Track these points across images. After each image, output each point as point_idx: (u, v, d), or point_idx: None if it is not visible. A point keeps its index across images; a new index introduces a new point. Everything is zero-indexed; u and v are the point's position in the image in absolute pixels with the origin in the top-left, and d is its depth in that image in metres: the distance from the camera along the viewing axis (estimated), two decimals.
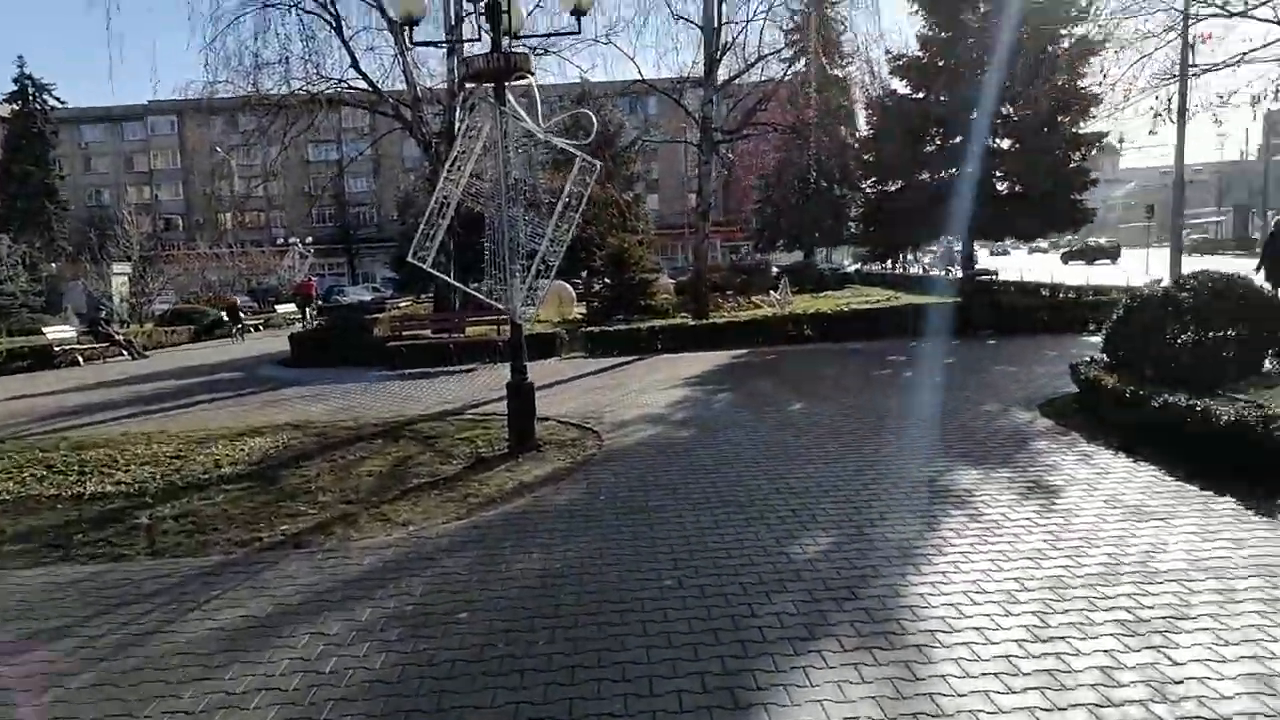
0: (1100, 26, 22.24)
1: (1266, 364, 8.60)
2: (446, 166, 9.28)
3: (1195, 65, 23.15)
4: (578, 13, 9.02)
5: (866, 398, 10.44)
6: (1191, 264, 24.50)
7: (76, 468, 8.75)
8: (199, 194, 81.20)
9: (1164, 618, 3.89)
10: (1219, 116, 21.65)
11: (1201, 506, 5.43)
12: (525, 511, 6.44)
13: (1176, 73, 24.88)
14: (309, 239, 58.49)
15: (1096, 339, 14.74)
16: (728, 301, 26.24)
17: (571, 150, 9.00)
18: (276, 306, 37.55)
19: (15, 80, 60.26)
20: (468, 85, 19.56)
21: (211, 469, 8.40)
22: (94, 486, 7.90)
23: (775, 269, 43.63)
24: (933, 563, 4.79)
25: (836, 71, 28.24)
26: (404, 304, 37.51)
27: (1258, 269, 14.77)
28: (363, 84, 19.98)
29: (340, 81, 19.52)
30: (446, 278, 10.55)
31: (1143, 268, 33.84)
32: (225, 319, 30.67)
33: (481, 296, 9.85)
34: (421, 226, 8.98)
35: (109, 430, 11.12)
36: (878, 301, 24.13)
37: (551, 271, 8.98)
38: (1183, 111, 24.82)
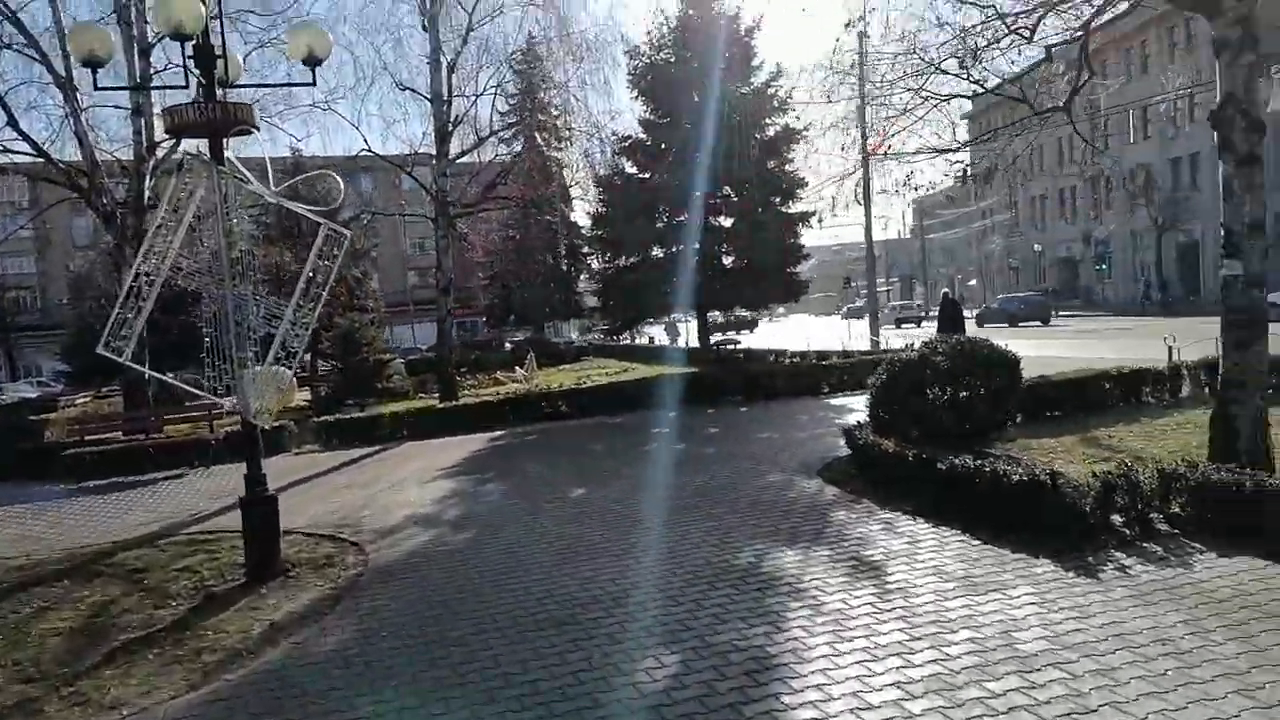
0: (798, 117, 24.51)
1: (1017, 415, 9.29)
2: (148, 239, 7.67)
3: (877, 153, 26.09)
4: (312, 62, 7.89)
5: (646, 475, 9.98)
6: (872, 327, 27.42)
7: None
8: None
9: (1068, 715, 3.59)
10: (890, 198, 24.55)
11: (1025, 572, 5.40)
12: (284, 667, 5.08)
13: (861, 160, 27.88)
14: None
15: (835, 400, 15.87)
16: (469, 379, 25.17)
17: (314, 217, 7.81)
18: None
19: None
20: (163, 144, 17.32)
21: None
22: None
23: (508, 344, 43.14)
24: (801, 674, 4.23)
25: (556, 153, 28.75)
26: (80, 400, 32.20)
27: (939, 331, 16.50)
28: (24, 147, 16.91)
29: None
30: (144, 369, 8.71)
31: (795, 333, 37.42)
32: None
33: (195, 390, 8.20)
34: (115, 311, 7.29)
35: None
36: (618, 373, 24.31)
37: (295, 359, 7.64)
38: (867, 193, 27.94)
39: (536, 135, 28.10)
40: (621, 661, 4.61)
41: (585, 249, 54.73)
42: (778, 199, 25.49)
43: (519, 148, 28.20)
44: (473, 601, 5.92)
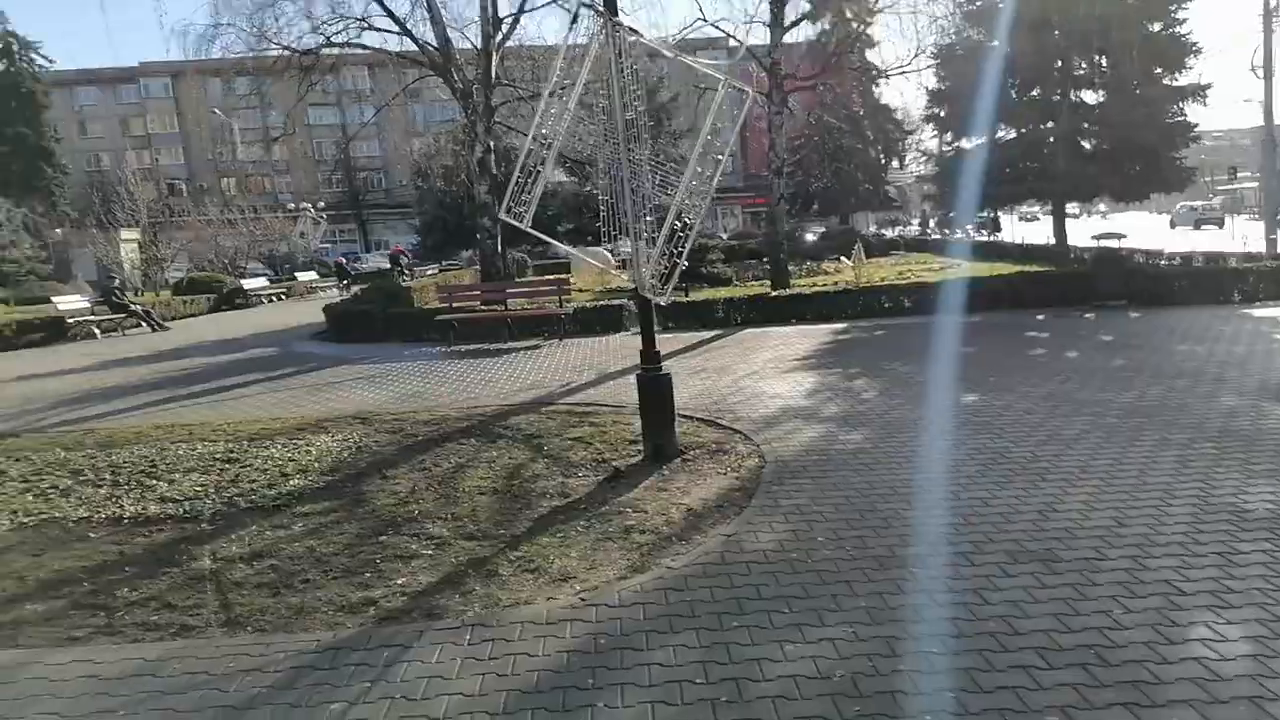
0: None
1: None
2: (542, 103, 7.46)
3: None
4: None
5: (1046, 385, 8.69)
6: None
7: (109, 476, 7.07)
8: (201, 158, 79.10)
9: None
10: None
11: None
12: (726, 561, 4.73)
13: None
14: (321, 203, 56.54)
15: (1256, 310, 13.19)
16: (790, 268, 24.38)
17: (713, 74, 7.19)
18: (296, 274, 35.81)
19: None
20: (506, 20, 17.64)
21: (277, 479, 6.72)
22: (132, 505, 6.23)
23: (809, 236, 41.61)
24: None
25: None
26: (429, 271, 35.67)
27: None
28: (384, 25, 17.87)
29: (361, 20, 17.41)
30: (553, 240, 8.74)
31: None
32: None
33: (579, 253, 8.07)
34: (514, 177, 7.19)
35: (140, 421, 9.45)
36: (942, 270, 22.27)
37: (691, 232, 7.20)
38: (1268, 64, 22.83)
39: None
40: (1176, 624, 3.69)
41: (896, 134, 51.11)
42: (1160, 69, 21.52)
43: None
44: (918, 511, 5.24)
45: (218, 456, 7.55)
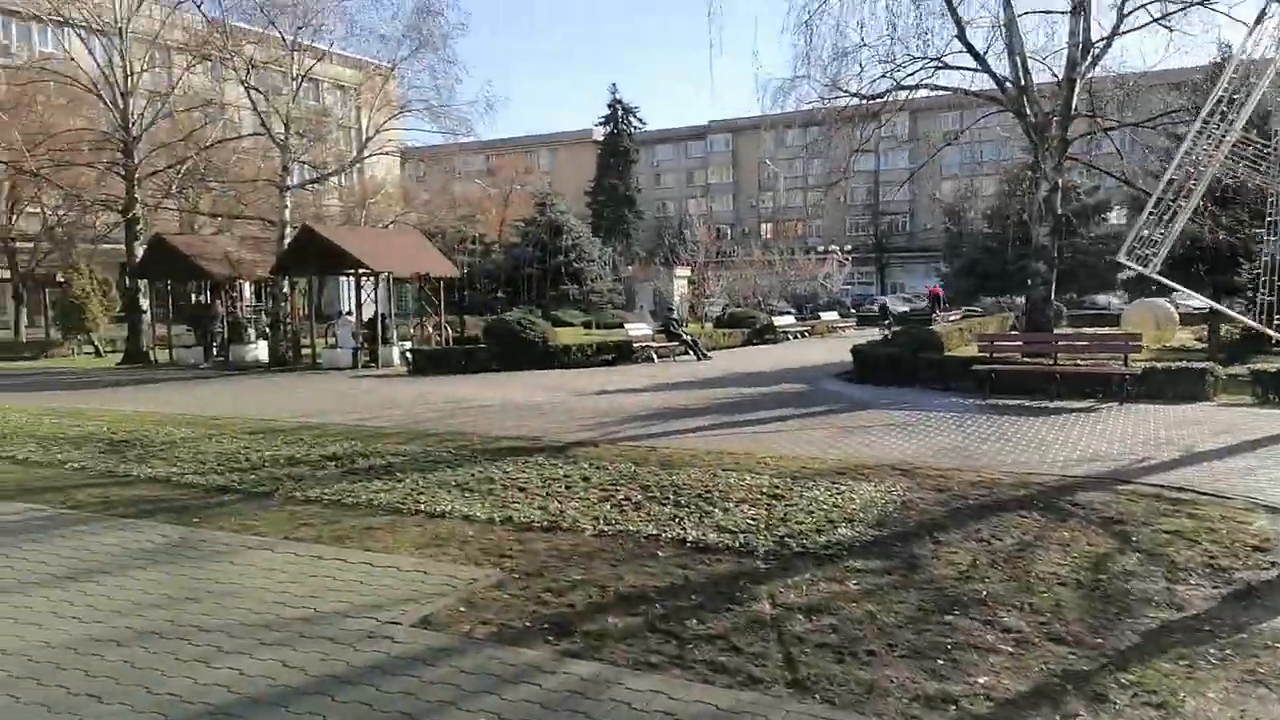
0: None
1: None
2: (1185, 143, 6.16)
3: None
4: None
5: None
6: None
7: (671, 495, 7.56)
8: (746, 204, 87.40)
9: None
10: None
11: None
12: None
13: None
14: (848, 246, 58.46)
15: None
16: None
17: None
18: (819, 314, 37.22)
19: (609, 105, 70.35)
20: (1098, 44, 15.84)
21: (824, 524, 6.50)
22: (694, 530, 6.49)
23: None
24: None
25: None
26: (953, 316, 34.32)
27: None
28: (960, 62, 17.28)
29: (937, 60, 17.03)
30: (1185, 288, 7.35)
31: None
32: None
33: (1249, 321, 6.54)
34: (1142, 217, 6.04)
35: (694, 444, 10.17)
36: None
37: None
38: None
39: None
40: None
41: None
42: None
43: None
44: None
45: (764, 490, 7.65)
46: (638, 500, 7.48)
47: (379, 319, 23.35)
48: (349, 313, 25.66)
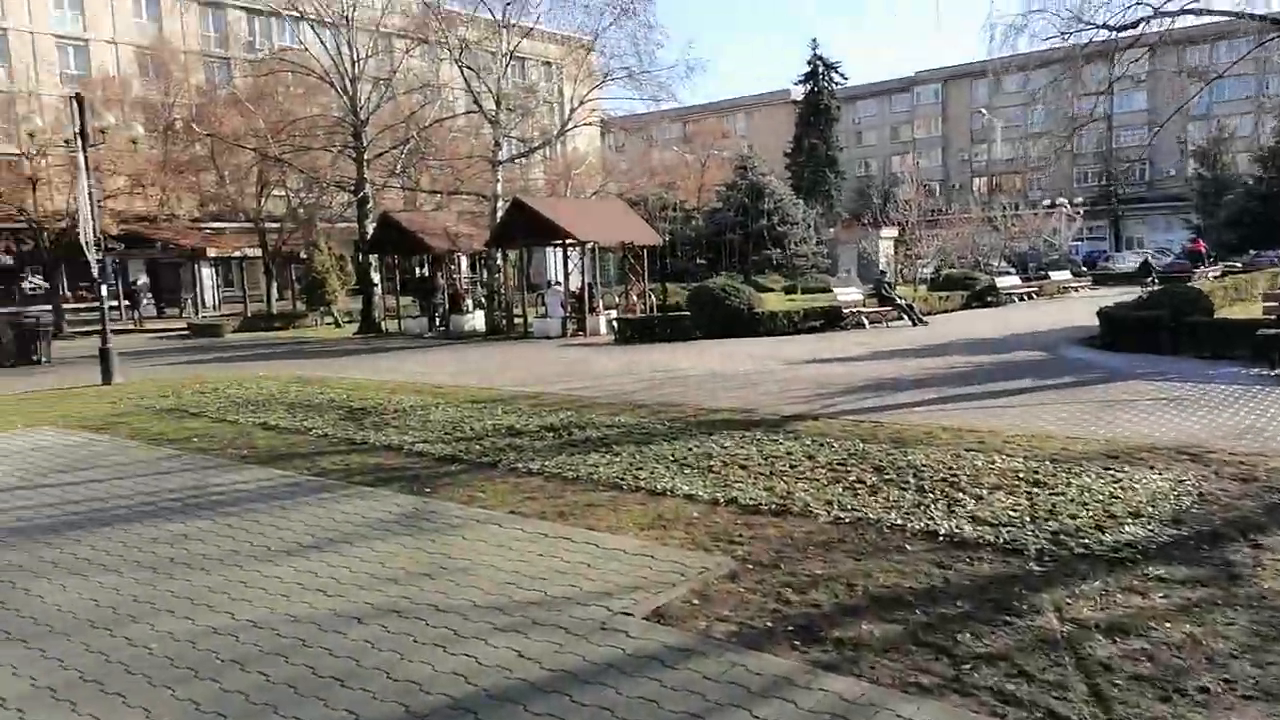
0: None
1: None
2: None
3: None
4: None
5: None
6: None
7: (911, 479, 6.83)
8: (957, 159, 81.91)
9: None
10: None
11: None
12: None
13: None
14: (1078, 199, 53.31)
15: None
16: None
17: None
18: (1049, 273, 34.12)
19: (809, 62, 67.77)
20: None
21: (1104, 519, 5.58)
22: (944, 520, 5.77)
23: None
24: None
25: None
26: (1213, 274, 30.27)
27: None
28: None
29: None
30: None
31: None
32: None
33: None
34: None
35: (924, 419, 9.31)
36: None
37: None
38: None
39: None
40: None
41: None
42: None
43: None
44: None
45: (1021, 475, 6.75)
46: (872, 483, 6.83)
47: (585, 288, 23.68)
48: (558, 283, 26.25)
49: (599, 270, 28.15)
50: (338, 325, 32.91)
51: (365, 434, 9.88)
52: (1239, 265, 34.81)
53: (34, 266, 37.78)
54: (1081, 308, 21.98)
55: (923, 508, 6.09)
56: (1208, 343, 13.60)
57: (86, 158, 16.34)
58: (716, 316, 20.61)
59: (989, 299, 27.83)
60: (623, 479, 7.33)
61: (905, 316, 21.87)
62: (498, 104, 25.54)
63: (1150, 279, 29.28)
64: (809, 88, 68.31)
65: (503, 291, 26.71)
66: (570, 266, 25.17)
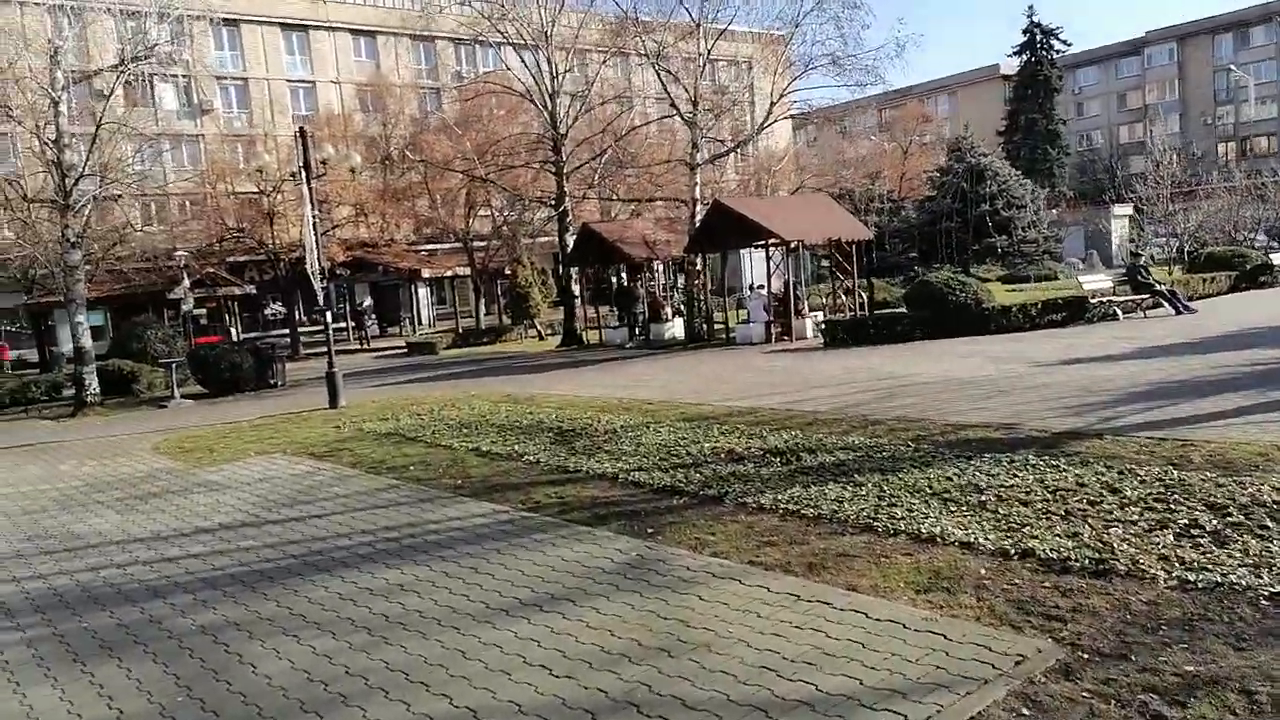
0: None
1: None
2: None
3: None
4: None
5: None
6: None
7: (1270, 521, 5.25)
8: (1199, 123, 72.89)
9: None
10: None
11: None
12: None
13: None
14: None
15: None
16: None
17: None
18: None
19: (1025, 31, 62.46)
20: None
21: None
22: None
23: None
24: None
25: None
26: None
27: None
28: None
29: None
30: None
31: None
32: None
33: None
34: None
35: (1241, 435, 7.46)
36: None
37: None
38: None
39: None
40: None
41: None
42: None
43: None
44: None
45: None
46: (1214, 528, 5.30)
47: (789, 290, 22.44)
48: (760, 286, 25.14)
49: (800, 271, 26.79)
50: (541, 338, 33.49)
51: (578, 460, 9.29)
52: None
53: (274, 294, 41.32)
54: None
55: None
56: None
57: (311, 189, 17.12)
58: (940, 314, 18.76)
59: (1262, 279, 23.90)
60: (875, 519, 6.20)
61: (1167, 304, 18.98)
62: (695, 105, 24.83)
63: None
64: (1025, 58, 62.96)
65: (702, 297, 25.96)
66: (772, 268, 24.01)
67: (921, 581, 5.00)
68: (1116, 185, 36.39)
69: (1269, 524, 5.23)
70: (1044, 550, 5.24)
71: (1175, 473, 6.54)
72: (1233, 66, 59.90)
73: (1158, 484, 6.31)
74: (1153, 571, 4.75)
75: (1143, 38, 76.34)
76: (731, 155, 33.93)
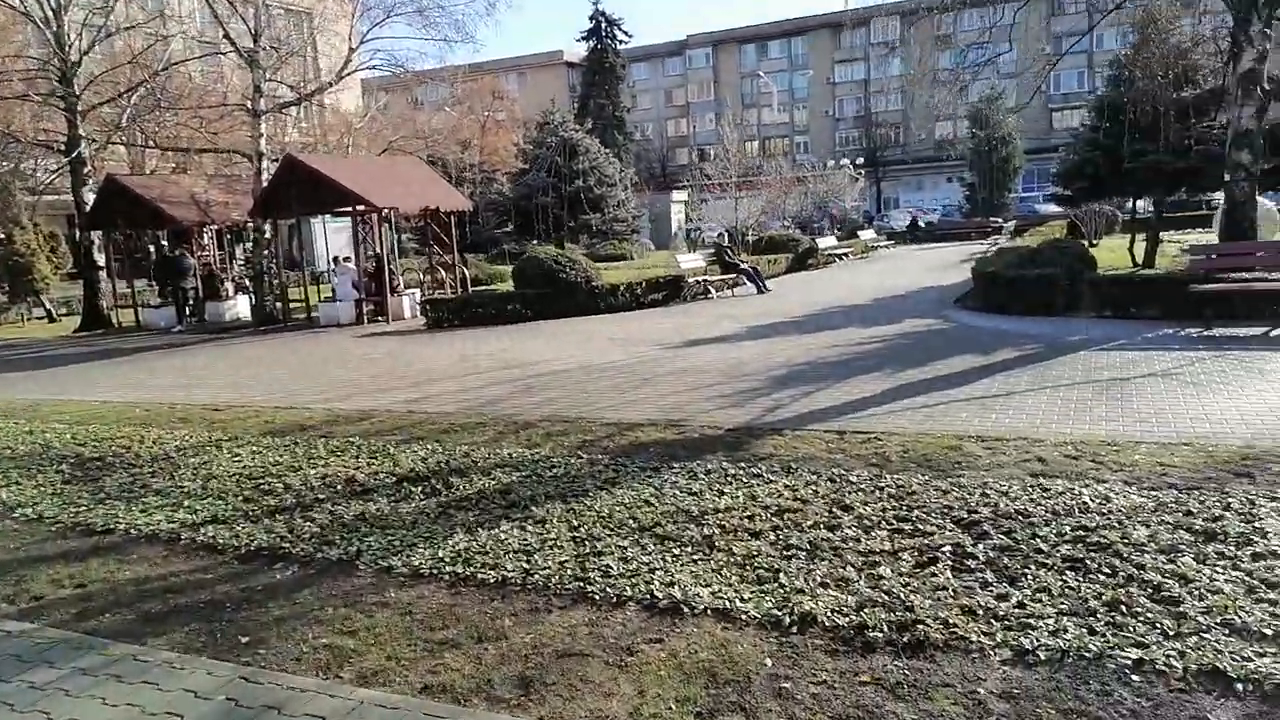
0: None
1: None
2: None
3: None
4: None
5: None
6: None
7: (1040, 543, 4.53)
8: (727, 124, 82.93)
9: None
10: None
11: None
12: None
13: None
14: (844, 160, 54.95)
15: None
16: None
17: None
18: (858, 233, 34.10)
19: (591, 18, 65.21)
20: None
21: None
22: (1158, 643, 3.48)
23: None
24: None
25: None
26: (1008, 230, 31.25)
27: None
28: None
29: None
30: None
31: None
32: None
33: None
34: None
35: (916, 426, 7.09)
36: None
37: None
38: None
39: None
40: None
41: None
42: None
43: None
44: None
45: (1196, 529, 4.64)
46: (987, 555, 4.45)
47: (384, 264, 19.86)
48: (347, 258, 22.05)
49: (394, 243, 24.21)
50: (52, 320, 26.56)
51: (110, 510, 6.25)
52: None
53: None
54: (907, 266, 21.35)
55: (1118, 612, 3.77)
56: (1109, 302, 12.63)
57: None
58: (550, 293, 17.71)
59: (810, 261, 26.91)
60: (585, 579, 4.52)
61: (750, 283, 20.08)
62: (255, 39, 20.72)
63: (991, 239, 29.40)
64: (592, 44, 65.69)
65: (275, 271, 22.13)
66: (360, 238, 21.14)
67: (700, 698, 3.38)
68: (667, 174, 39.11)
69: (1042, 547, 4.50)
70: (825, 615, 3.93)
71: (889, 477, 5.79)
72: (760, 73, 68.64)
73: (884, 494, 5.47)
74: (974, 639, 3.66)
75: (684, 40, 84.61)
76: (294, 112, 29.74)
